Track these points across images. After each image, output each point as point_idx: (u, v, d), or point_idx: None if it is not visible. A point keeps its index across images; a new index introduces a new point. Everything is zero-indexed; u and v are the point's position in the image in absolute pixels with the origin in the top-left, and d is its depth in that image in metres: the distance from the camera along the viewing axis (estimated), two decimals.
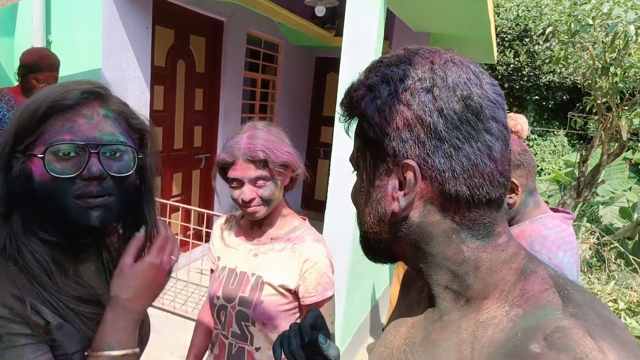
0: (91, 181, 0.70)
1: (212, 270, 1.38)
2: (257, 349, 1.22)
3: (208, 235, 3.28)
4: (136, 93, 3.12)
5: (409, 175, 0.51)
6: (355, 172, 0.61)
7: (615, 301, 3.85)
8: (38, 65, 2.38)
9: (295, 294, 1.23)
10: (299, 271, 1.22)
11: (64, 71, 2.88)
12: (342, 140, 2.47)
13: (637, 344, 0.43)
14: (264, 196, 1.18)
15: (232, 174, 1.18)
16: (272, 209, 1.24)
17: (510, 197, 1.37)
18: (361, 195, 0.59)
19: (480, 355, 0.47)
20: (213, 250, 1.36)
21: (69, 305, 0.70)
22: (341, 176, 2.49)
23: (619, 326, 0.45)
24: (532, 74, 11.48)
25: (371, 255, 0.62)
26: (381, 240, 0.58)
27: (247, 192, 1.17)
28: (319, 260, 1.23)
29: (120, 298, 0.72)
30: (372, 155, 0.56)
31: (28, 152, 0.69)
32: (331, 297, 1.26)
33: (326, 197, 2.61)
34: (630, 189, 8.10)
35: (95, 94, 0.74)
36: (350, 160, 0.62)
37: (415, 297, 0.66)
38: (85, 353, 0.71)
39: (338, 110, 0.60)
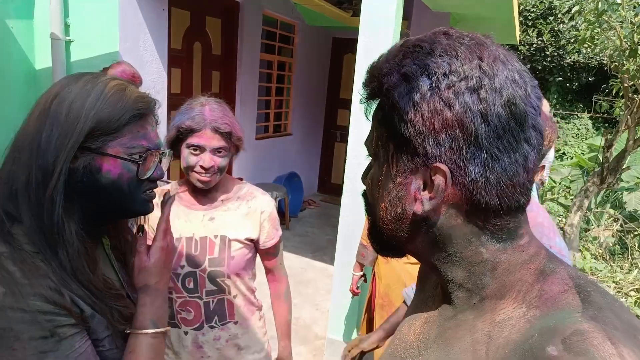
0: (156, 179, 0.83)
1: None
2: (235, 296, 1.36)
3: None
4: (154, 76, 3.13)
5: (439, 179, 0.48)
6: (371, 159, 0.57)
7: (638, 290, 3.77)
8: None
9: (256, 241, 1.39)
10: (258, 222, 1.38)
11: (81, 54, 2.90)
12: (360, 123, 2.44)
13: None
14: (221, 166, 1.27)
15: (195, 140, 1.23)
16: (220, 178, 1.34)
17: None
18: (378, 189, 0.55)
19: (495, 356, 0.46)
20: (152, 225, 1.30)
21: (98, 295, 0.75)
22: (358, 160, 2.47)
23: None
24: (555, 54, 11.13)
25: (381, 249, 0.60)
26: (395, 237, 0.55)
27: (207, 159, 1.24)
28: (271, 209, 1.42)
29: (151, 284, 0.83)
30: (396, 149, 0.51)
31: (101, 151, 0.74)
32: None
33: (342, 181, 2.59)
34: None
35: (154, 103, 0.84)
36: (367, 145, 0.57)
37: (431, 291, 0.65)
38: (128, 331, 0.79)
39: (360, 91, 0.54)
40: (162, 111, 3.35)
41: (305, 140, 6.03)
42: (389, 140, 0.52)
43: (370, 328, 2.14)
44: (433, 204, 0.49)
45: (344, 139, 6.02)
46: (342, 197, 2.58)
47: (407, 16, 4.09)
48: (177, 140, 1.27)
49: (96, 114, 0.72)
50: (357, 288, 2.17)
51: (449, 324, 0.54)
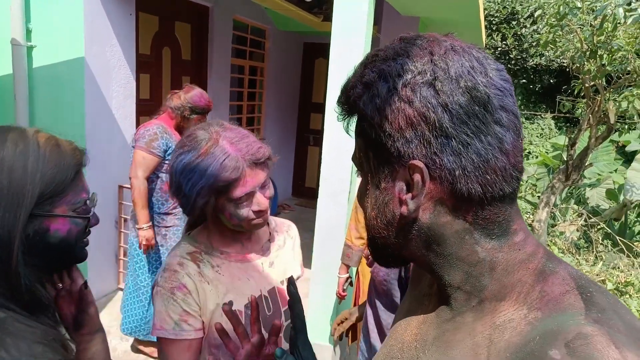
0: (93, 225, 0.84)
1: (195, 342, 1.00)
2: None
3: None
4: (122, 82, 3.05)
5: (417, 177, 0.48)
6: (359, 173, 0.58)
7: (603, 282, 3.93)
8: (206, 110, 2.62)
9: None
10: (299, 253, 1.24)
11: (44, 60, 2.81)
12: (334, 126, 2.45)
13: None
14: (270, 197, 1.02)
15: (239, 191, 0.94)
16: None
17: None
18: (366, 199, 0.56)
19: (497, 358, 0.46)
20: (199, 309, 0.99)
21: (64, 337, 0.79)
22: (333, 163, 2.47)
23: None
24: (519, 57, 11.50)
25: (381, 260, 0.59)
26: (389, 245, 0.55)
27: (262, 200, 0.98)
28: (298, 236, 1.27)
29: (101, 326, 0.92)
30: (375, 157, 0.52)
31: (50, 213, 0.74)
32: None
33: (317, 184, 2.59)
34: (616, 170, 8.23)
35: (84, 152, 0.84)
36: (353, 160, 0.58)
37: (426, 289, 0.64)
38: None
39: (335, 108, 0.56)
40: (130, 118, 3.28)
41: (279, 144, 6.01)
42: (368, 149, 0.53)
43: (354, 328, 2.13)
44: (416, 202, 0.49)
45: (317, 142, 6.04)
46: (318, 200, 2.57)
47: (376, 21, 4.15)
48: (218, 198, 0.96)
49: (41, 178, 0.71)
50: (344, 291, 2.14)
51: (448, 325, 0.54)
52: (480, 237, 0.50)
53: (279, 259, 1.13)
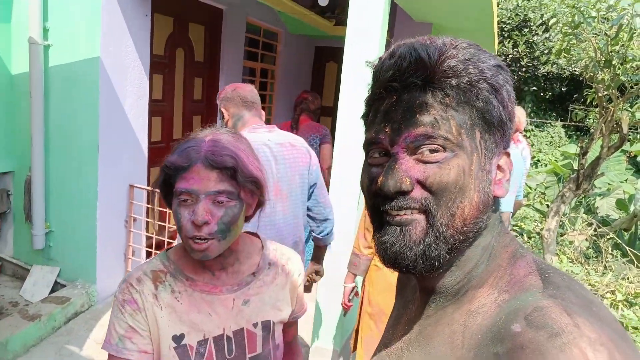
0: None
1: None
2: None
3: None
4: (135, 82, 3.07)
5: (506, 160, 0.55)
6: (440, 152, 0.51)
7: (612, 292, 3.88)
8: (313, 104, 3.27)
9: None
10: (296, 290, 1.06)
11: (61, 59, 2.83)
12: (345, 129, 2.45)
13: (613, 319, 0.45)
14: (224, 221, 0.86)
15: (182, 184, 0.85)
16: (230, 244, 0.91)
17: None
18: (471, 179, 0.51)
19: (470, 342, 0.49)
20: (149, 332, 0.90)
21: None
22: (343, 166, 2.47)
23: (596, 304, 0.46)
24: (530, 64, 11.44)
25: (436, 259, 0.52)
26: (473, 231, 0.53)
27: (200, 210, 0.84)
28: (303, 270, 1.09)
29: None
30: (483, 136, 0.52)
31: None
32: None
33: (327, 188, 2.59)
34: (626, 180, 8.14)
35: None
36: (439, 135, 0.50)
37: (410, 295, 0.67)
38: None
39: (450, 66, 0.50)
40: (143, 118, 3.30)
41: None
42: (475, 127, 0.52)
43: (356, 337, 2.11)
44: (507, 185, 0.55)
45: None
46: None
47: (390, 26, 4.14)
48: (166, 187, 0.91)
49: None
50: (349, 301, 2.09)
51: (429, 321, 0.57)
52: (497, 223, 0.56)
53: (259, 297, 0.98)
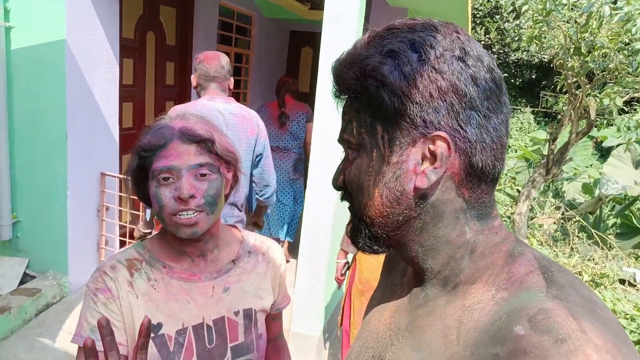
0: None
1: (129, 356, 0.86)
2: None
3: None
4: (105, 67, 2.96)
5: (442, 147, 0.49)
6: (351, 153, 0.55)
7: (579, 273, 4.04)
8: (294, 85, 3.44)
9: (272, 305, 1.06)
10: (277, 281, 1.05)
11: (24, 42, 2.70)
12: (324, 115, 2.44)
13: (617, 323, 0.44)
14: (210, 194, 0.85)
15: (161, 163, 0.83)
16: (215, 220, 0.90)
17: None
18: (368, 176, 0.53)
19: (466, 339, 0.47)
20: (124, 322, 0.86)
21: None
22: (321, 151, 2.47)
23: (600, 306, 0.45)
24: (501, 51, 11.64)
25: (369, 245, 0.57)
26: (388, 225, 0.54)
27: (184, 184, 0.82)
28: (285, 262, 1.08)
29: None
30: (387, 129, 0.51)
31: None
32: None
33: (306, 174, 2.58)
34: (591, 165, 8.45)
35: None
36: (344, 140, 0.56)
37: (398, 279, 0.65)
38: None
39: (333, 89, 0.56)
40: (113, 104, 3.19)
41: None
42: (376, 122, 0.52)
43: (343, 313, 2.17)
44: (438, 173, 0.50)
45: None
46: (307, 188, 2.57)
47: (366, 12, 4.12)
48: (140, 173, 0.88)
49: None
50: (342, 275, 2.18)
51: (420, 311, 0.55)
52: (471, 217, 0.52)
53: (240, 285, 0.96)
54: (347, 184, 0.56)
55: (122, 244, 3.30)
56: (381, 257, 2.17)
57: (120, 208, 3.24)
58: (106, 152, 3.10)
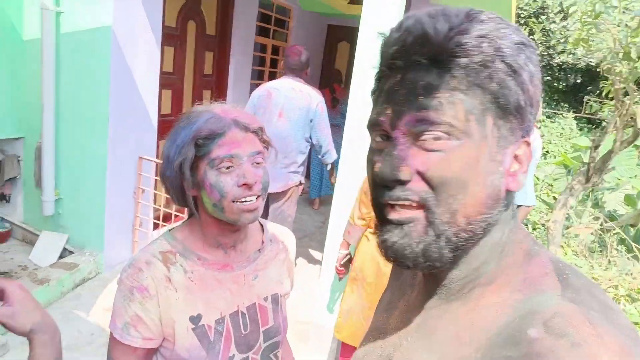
0: None
1: (140, 351, 0.88)
2: None
3: None
4: (146, 53, 3.05)
5: (526, 152, 0.49)
6: (445, 140, 0.46)
7: (615, 287, 3.88)
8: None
9: None
10: (292, 267, 1.08)
11: (72, 26, 2.82)
12: (357, 108, 2.44)
13: (632, 328, 0.43)
14: (265, 180, 0.88)
15: (222, 151, 0.83)
16: None
17: None
18: (475, 172, 0.46)
19: (478, 341, 0.46)
20: (159, 317, 0.87)
21: None
22: (354, 144, 2.47)
23: (616, 310, 0.44)
24: (545, 53, 11.23)
25: (444, 254, 0.48)
26: (477, 229, 0.48)
27: (250, 171, 0.84)
28: (295, 248, 1.12)
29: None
30: (496, 123, 0.46)
31: None
32: None
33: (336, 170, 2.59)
34: (636, 176, 8.06)
35: None
36: (429, 123, 0.46)
37: (409, 279, 0.63)
38: None
39: (459, 43, 0.44)
40: (153, 91, 3.29)
41: None
42: (487, 112, 0.46)
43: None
44: (524, 177, 0.49)
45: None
46: (337, 183, 2.58)
47: (406, 8, 4.06)
48: (195, 161, 0.86)
49: None
50: (341, 266, 2.22)
51: (432, 313, 0.54)
52: (510, 216, 0.51)
53: (266, 272, 0.99)
54: (428, 178, 0.46)
55: (156, 226, 3.41)
56: (375, 254, 2.23)
57: (156, 191, 3.35)
58: (145, 137, 3.20)
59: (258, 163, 0.87)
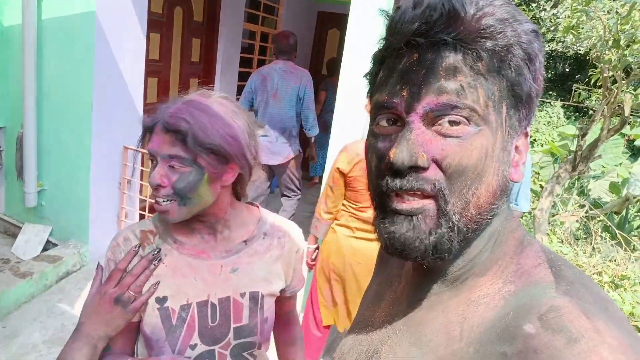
0: None
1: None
2: None
3: None
4: (132, 40, 2.97)
5: (525, 144, 0.48)
6: (465, 125, 0.44)
7: (599, 274, 3.94)
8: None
9: (284, 289, 1.04)
10: (292, 265, 1.02)
11: (54, 12, 2.72)
12: (347, 101, 2.40)
13: (625, 319, 0.42)
14: (178, 186, 0.83)
15: (148, 145, 0.86)
16: (198, 211, 0.88)
17: None
18: (492, 161, 0.45)
19: (470, 335, 0.45)
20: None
21: None
22: (342, 138, 2.43)
23: (611, 302, 0.43)
24: None
25: (447, 251, 0.46)
26: (484, 220, 0.47)
27: (155, 173, 0.83)
28: (305, 246, 1.05)
29: (79, 321, 0.85)
30: (508, 112, 0.45)
31: None
32: None
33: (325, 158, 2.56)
34: (621, 164, 8.17)
35: None
36: (451, 107, 0.43)
37: (396, 270, 0.62)
38: None
39: (487, 25, 0.43)
40: (139, 78, 3.20)
41: None
42: (503, 100, 0.45)
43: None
44: (523, 168, 0.49)
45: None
46: (325, 175, 2.55)
47: None
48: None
49: None
50: (312, 260, 2.24)
51: (421, 305, 0.52)
52: (508, 207, 0.50)
53: (250, 266, 0.95)
54: (445, 166, 0.44)
55: (142, 217, 3.36)
56: (340, 244, 2.27)
57: (142, 182, 3.29)
58: (130, 126, 3.13)
59: (171, 166, 0.83)
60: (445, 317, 0.48)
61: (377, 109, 0.48)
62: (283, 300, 1.08)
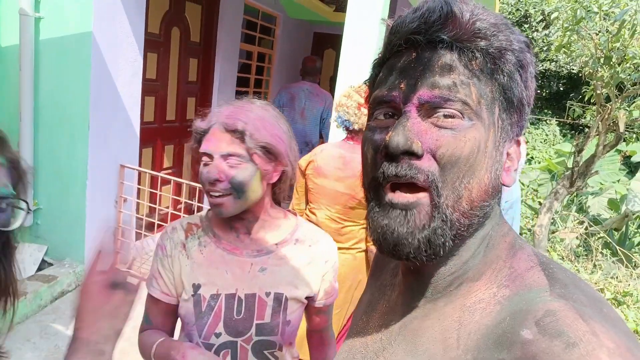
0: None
1: (161, 303, 1.01)
2: None
3: (200, 210, 3.21)
4: (129, 60, 3.00)
5: (516, 151, 0.50)
6: (459, 119, 0.46)
7: (602, 291, 3.91)
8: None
9: (311, 298, 1.06)
10: (320, 275, 1.05)
11: (52, 32, 2.76)
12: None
13: (620, 319, 0.42)
14: (236, 179, 0.91)
15: (202, 146, 0.94)
16: (248, 206, 0.96)
17: None
18: (484, 156, 0.46)
19: (467, 343, 0.44)
20: (172, 276, 1.00)
21: None
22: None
23: (606, 304, 0.43)
24: None
25: (441, 247, 0.46)
26: (475, 218, 0.47)
27: (212, 167, 0.92)
28: (336, 257, 1.09)
29: (74, 329, 0.71)
30: (501, 115, 0.47)
31: None
32: None
33: None
34: (619, 181, 8.19)
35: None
36: (446, 99, 0.45)
37: (389, 279, 0.61)
38: None
39: (481, 27, 0.46)
40: (135, 97, 3.23)
41: None
42: (495, 102, 0.47)
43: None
44: (515, 174, 0.50)
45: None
46: None
47: (391, 14, 4.08)
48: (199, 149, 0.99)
49: None
50: None
51: (416, 313, 0.51)
52: (497, 213, 0.51)
53: (278, 269, 1.00)
54: (439, 156, 0.45)
55: (138, 236, 3.33)
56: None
57: (138, 200, 3.28)
58: (126, 145, 3.14)
59: (232, 163, 0.92)
60: (441, 324, 0.48)
61: (375, 105, 0.50)
62: (313, 313, 1.11)
